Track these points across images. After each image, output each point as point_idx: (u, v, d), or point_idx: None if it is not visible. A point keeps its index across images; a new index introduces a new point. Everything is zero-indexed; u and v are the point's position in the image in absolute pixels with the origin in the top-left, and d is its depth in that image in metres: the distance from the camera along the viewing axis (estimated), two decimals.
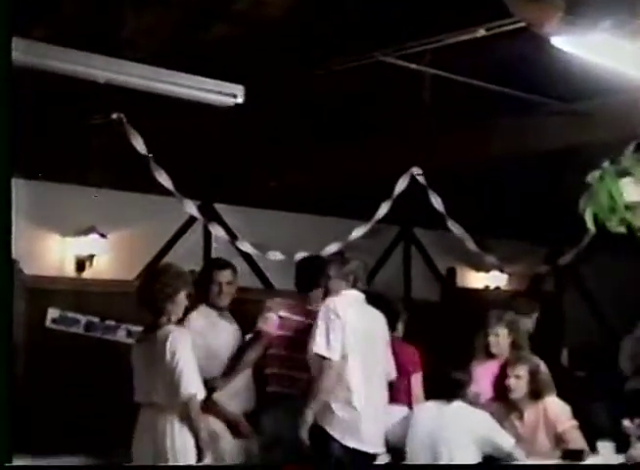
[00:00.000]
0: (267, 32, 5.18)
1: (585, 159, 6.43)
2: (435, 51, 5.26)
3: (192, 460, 5.18)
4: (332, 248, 7.03)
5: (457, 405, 5.98)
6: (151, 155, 5.89)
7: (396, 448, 6.10)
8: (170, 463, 5.17)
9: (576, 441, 5.97)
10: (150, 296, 5.40)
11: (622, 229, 6.34)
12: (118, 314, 7.74)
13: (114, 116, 5.70)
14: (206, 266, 6.48)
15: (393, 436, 6.13)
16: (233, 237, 7.52)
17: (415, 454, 5.91)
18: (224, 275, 6.13)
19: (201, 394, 5.22)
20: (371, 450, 5.93)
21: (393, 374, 6.34)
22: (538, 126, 6.52)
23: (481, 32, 4.74)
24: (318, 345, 5.79)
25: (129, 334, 7.67)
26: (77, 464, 6.31)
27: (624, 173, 6.27)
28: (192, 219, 7.76)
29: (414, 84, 5.95)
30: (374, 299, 6.24)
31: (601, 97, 6.00)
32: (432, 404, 6.10)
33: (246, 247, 7.11)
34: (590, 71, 4.68)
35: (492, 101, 6.14)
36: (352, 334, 5.90)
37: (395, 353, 6.35)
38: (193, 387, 5.16)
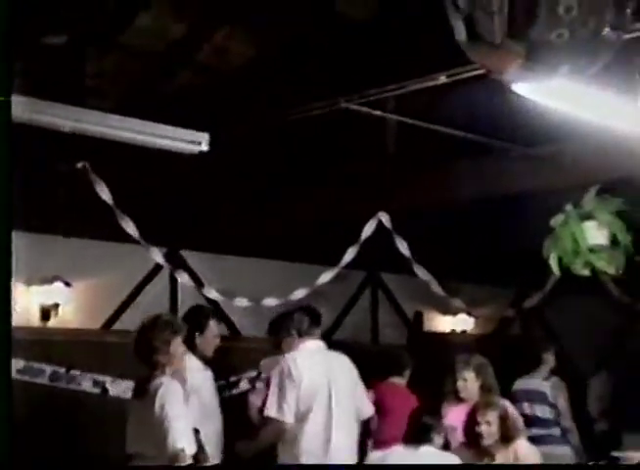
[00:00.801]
0: (231, 81, 5.21)
1: (548, 202, 6.51)
2: (398, 98, 5.30)
3: None
4: (299, 293, 7.02)
5: (427, 450, 5.94)
6: (115, 204, 5.87)
7: None
8: None
9: None
10: (142, 349, 5.34)
11: (587, 272, 6.41)
12: (84, 364, 7.66)
13: (79, 164, 5.69)
14: (193, 315, 6.40)
15: None
16: (199, 284, 7.48)
17: None
18: (212, 325, 6.20)
19: (191, 449, 5.07)
20: None
21: (367, 412, 6.48)
22: (501, 171, 6.57)
23: (443, 79, 4.79)
24: (269, 408, 5.99)
25: (95, 384, 7.59)
26: None
27: (587, 217, 6.35)
28: (158, 267, 7.72)
29: (378, 130, 6.01)
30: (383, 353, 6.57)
31: (562, 142, 6.07)
32: (401, 450, 6.06)
33: (212, 294, 7.07)
34: (551, 117, 4.73)
35: (455, 146, 6.19)
36: (311, 389, 6.07)
37: (399, 400, 6.85)
38: (182, 441, 5.03)
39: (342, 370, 6.33)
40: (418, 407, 6.51)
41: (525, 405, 8.05)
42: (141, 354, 5.36)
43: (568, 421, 8.11)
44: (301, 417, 6.04)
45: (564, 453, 7.78)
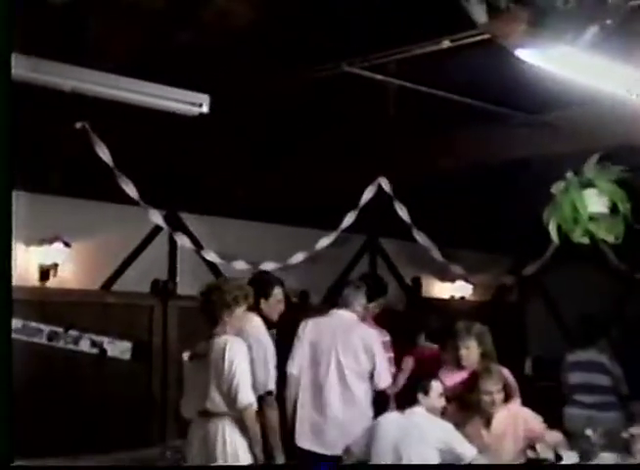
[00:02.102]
0: (233, 42, 5.17)
1: (549, 170, 6.50)
2: (401, 62, 5.27)
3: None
4: (298, 257, 7.04)
5: (420, 415, 5.99)
6: (115, 165, 5.86)
7: (361, 459, 6.12)
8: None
9: (549, 444, 6.02)
10: (209, 304, 5.62)
11: (586, 240, 6.41)
12: (82, 324, 7.69)
13: (79, 125, 5.68)
14: (259, 280, 6.50)
15: (358, 446, 6.14)
16: (198, 246, 7.49)
17: (378, 461, 5.92)
18: (277, 291, 6.34)
19: (255, 404, 5.43)
20: (327, 453, 6.42)
21: (383, 383, 6.68)
22: (503, 137, 6.56)
23: (446, 44, 4.76)
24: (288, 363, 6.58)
25: (93, 344, 7.63)
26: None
27: (588, 185, 6.34)
28: (157, 229, 7.74)
29: (380, 95, 5.98)
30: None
31: (565, 109, 6.05)
32: (395, 415, 6.11)
33: (211, 256, 7.10)
34: (554, 83, 4.71)
35: (457, 112, 6.17)
36: (310, 351, 6.63)
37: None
38: (250, 397, 5.38)
39: (347, 338, 6.67)
40: (414, 371, 6.56)
41: (585, 375, 8.46)
42: (207, 312, 5.63)
43: (624, 388, 8.39)
44: (301, 372, 6.61)
45: (619, 418, 7.97)
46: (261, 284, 6.33)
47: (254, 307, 6.05)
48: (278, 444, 5.83)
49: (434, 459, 5.82)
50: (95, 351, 7.55)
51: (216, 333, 5.54)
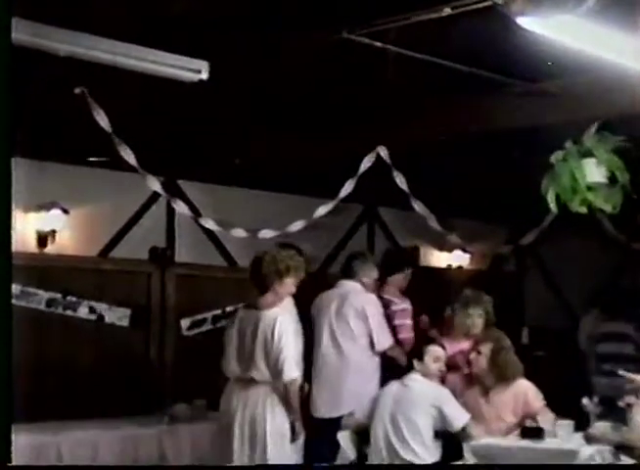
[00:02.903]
0: (233, 9, 5.13)
1: (549, 139, 6.48)
2: (401, 30, 5.23)
3: (287, 437, 5.65)
4: (296, 225, 7.03)
5: (415, 380, 6.05)
6: (113, 131, 5.83)
7: (364, 427, 6.18)
8: (267, 435, 5.58)
9: (547, 421, 6.05)
10: (261, 272, 5.76)
11: (584, 210, 6.41)
12: (81, 291, 7.69)
13: (78, 90, 5.63)
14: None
15: (362, 413, 6.22)
16: (196, 214, 7.48)
17: (377, 432, 5.97)
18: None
19: (300, 378, 5.70)
20: (323, 416, 6.73)
21: (380, 346, 6.88)
22: (502, 106, 6.54)
23: (447, 11, 4.72)
24: None
25: (91, 310, 7.64)
26: None
27: (587, 154, 6.32)
28: (155, 196, 7.72)
29: (379, 63, 5.94)
30: None
31: (564, 78, 6.02)
32: (395, 383, 6.17)
33: (209, 224, 7.07)
34: (555, 52, 4.68)
35: (458, 80, 6.14)
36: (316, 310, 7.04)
37: None
38: (296, 371, 5.62)
39: (342, 305, 6.99)
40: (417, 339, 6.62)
41: (614, 345, 8.67)
42: (258, 280, 5.78)
43: None
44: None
45: None
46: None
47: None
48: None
49: (427, 425, 5.88)
50: (93, 317, 7.56)
51: (267, 302, 5.69)
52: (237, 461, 5.72)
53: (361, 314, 6.94)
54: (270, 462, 5.58)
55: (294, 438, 5.74)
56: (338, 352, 6.92)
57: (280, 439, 5.70)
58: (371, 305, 7.05)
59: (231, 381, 5.89)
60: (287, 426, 5.69)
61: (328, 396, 6.81)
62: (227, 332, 6.00)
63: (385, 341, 6.93)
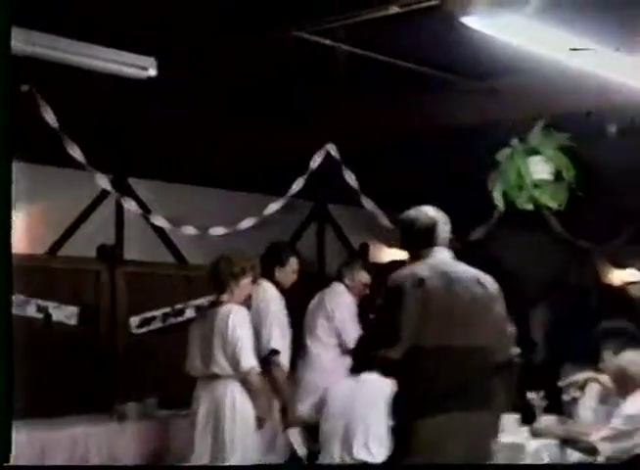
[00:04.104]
0: (181, 6, 5.12)
1: (495, 136, 6.55)
2: (351, 28, 5.26)
3: (251, 425, 5.80)
4: (247, 223, 7.04)
5: (369, 378, 6.06)
6: (61, 128, 5.80)
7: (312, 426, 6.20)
8: (229, 422, 5.79)
9: None
10: (218, 274, 6.11)
11: (530, 206, 6.50)
12: (28, 289, 7.62)
13: (25, 87, 5.60)
14: (275, 250, 7.01)
15: (310, 414, 6.23)
16: (146, 211, 7.45)
17: (329, 425, 5.99)
18: (292, 260, 6.86)
19: (257, 367, 5.88)
20: None
21: (350, 344, 6.73)
22: (450, 104, 6.60)
23: (395, 9, 4.76)
24: None
25: (39, 309, 7.57)
26: None
27: (533, 152, 6.41)
28: (104, 193, 7.67)
29: (328, 60, 5.97)
30: None
31: (511, 76, 6.09)
32: (348, 380, 6.19)
33: (159, 221, 7.05)
34: (500, 50, 4.74)
35: (406, 78, 6.18)
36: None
37: None
38: (252, 360, 5.83)
39: (317, 305, 7.35)
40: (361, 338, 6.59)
41: None
42: (215, 281, 6.14)
43: None
44: None
45: None
46: (277, 253, 6.88)
47: (269, 275, 6.64)
48: (288, 399, 6.29)
49: (381, 421, 5.90)
50: (40, 315, 7.49)
51: (222, 301, 6.03)
52: (197, 451, 5.88)
53: (329, 315, 7.16)
54: (234, 452, 5.75)
55: (259, 426, 5.89)
56: (304, 349, 7.08)
57: (243, 428, 5.82)
58: (343, 305, 7.26)
59: (198, 380, 6.05)
60: (251, 415, 5.85)
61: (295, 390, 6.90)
62: (190, 333, 6.18)
63: (345, 342, 7.01)
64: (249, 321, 6.00)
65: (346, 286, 7.46)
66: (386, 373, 4.70)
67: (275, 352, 6.27)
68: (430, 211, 4.75)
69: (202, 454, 5.85)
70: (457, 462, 4.27)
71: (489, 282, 4.58)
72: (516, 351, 4.56)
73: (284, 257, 6.85)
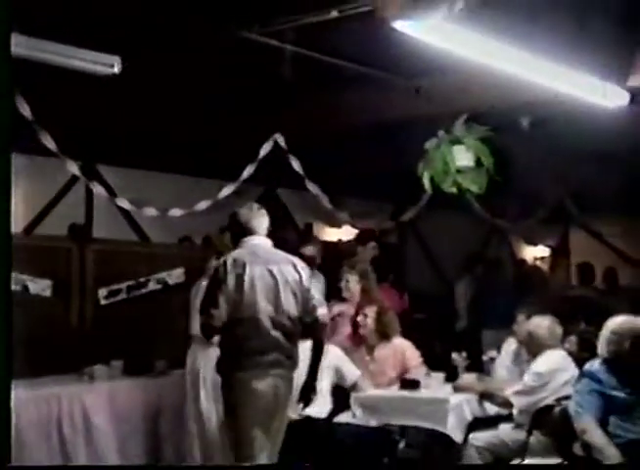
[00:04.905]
0: (143, 8, 5.06)
1: (424, 128, 6.59)
2: (296, 30, 5.25)
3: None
4: (202, 205, 7.00)
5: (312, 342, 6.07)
6: (34, 119, 5.71)
7: None
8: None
9: (418, 375, 6.16)
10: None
11: (454, 190, 6.55)
12: None
13: None
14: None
15: None
16: (112, 195, 7.37)
17: None
18: None
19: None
20: None
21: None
22: (384, 100, 6.62)
23: (334, 14, 4.76)
24: None
25: (17, 282, 7.42)
26: None
27: (456, 142, 6.46)
28: (75, 179, 7.57)
29: (276, 60, 5.94)
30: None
31: (437, 75, 6.11)
32: None
33: (124, 203, 6.97)
34: (427, 52, 4.75)
35: (344, 76, 6.18)
36: None
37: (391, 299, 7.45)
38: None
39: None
40: None
41: None
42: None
43: None
44: None
45: None
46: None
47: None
48: None
49: (326, 382, 5.92)
50: (19, 288, 7.39)
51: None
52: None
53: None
54: None
55: None
56: None
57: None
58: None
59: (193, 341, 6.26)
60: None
61: None
62: (192, 302, 6.24)
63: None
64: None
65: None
66: (208, 337, 5.13)
67: None
68: (251, 208, 5.17)
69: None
70: (271, 410, 4.79)
71: (300, 265, 5.01)
72: (323, 311, 5.01)
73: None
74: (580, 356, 5.48)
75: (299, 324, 4.94)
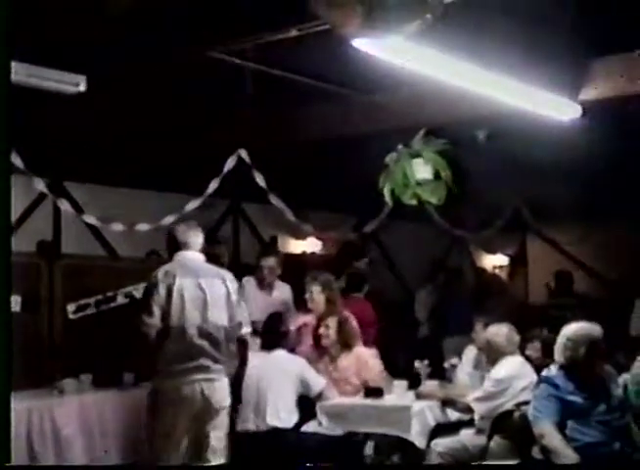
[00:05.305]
0: (110, 27, 5.04)
1: (384, 143, 6.61)
2: (257, 48, 5.25)
3: None
4: (168, 219, 6.95)
5: (278, 353, 6.05)
6: None
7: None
8: None
9: (381, 383, 6.16)
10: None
11: (414, 202, 6.57)
12: None
13: None
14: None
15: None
16: (79, 211, 7.31)
17: (243, 396, 5.95)
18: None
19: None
20: None
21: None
22: (344, 114, 6.63)
23: (294, 32, 4.76)
24: None
25: None
26: None
27: (416, 155, 6.48)
28: (42, 196, 7.50)
29: (239, 77, 5.94)
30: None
31: (395, 90, 6.14)
32: (258, 354, 6.15)
33: (91, 220, 6.92)
34: (386, 68, 4.77)
35: (305, 92, 6.19)
36: None
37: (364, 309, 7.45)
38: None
39: None
40: (273, 316, 6.52)
41: None
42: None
43: None
44: None
45: None
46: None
47: None
48: None
49: (291, 389, 5.89)
50: None
51: None
52: None
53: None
54: None
55: None
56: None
57: None
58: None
59: None
60: None
61: None
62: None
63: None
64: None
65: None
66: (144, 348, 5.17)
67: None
68: (187, 225, 5.46)
69: None
70: (198, 413, 4.97)
71: (229, 278, 5.26)
72: (247, 330, 5.24)
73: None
74: (543, 362, 5.51)
75: (229, 333, 5.14)
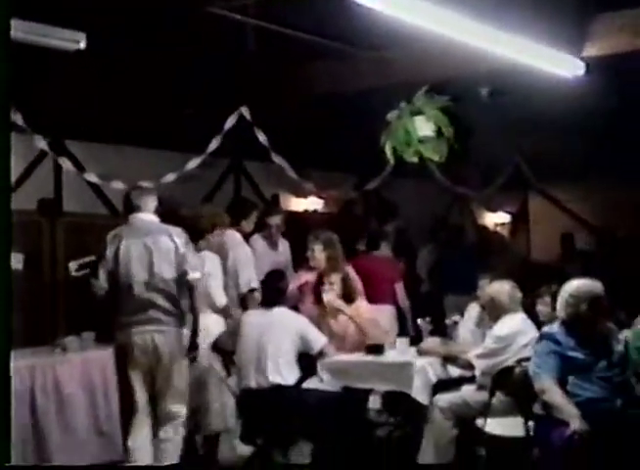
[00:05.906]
0: None
1: (386, 100, 6.58)
2: (258, 4, 5.22)
3: None
4: (169, 177, 6.96)
5: (279, 310, 6.06)
6: None
7: (227, 350, 6.17)
8: None
9: (382, 338, 6.20)
10: (197, 225, 6.25)
11: (416, 159, 6.56)
12: None
13: None
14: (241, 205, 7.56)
15: (224, 340, 6.19)
16: (80, 169, 7.30)
17: (244, 353, 5.98)
18: (254, 214, 7.26)
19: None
20: None
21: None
22: (347, 71, 6.61)
23: None
24: None
25: None
26: None
27: (417, 112, 6.45)
28: (43, 154, 7.49)
29: (240, 34, 5.91)
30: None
31: (398, 46, 6.10)
32: (258, 311, 6.17)
33: (92, 178, 6.94)
34: (389, 24, 4.74)
35: (309, 49, 6.16)
36: None
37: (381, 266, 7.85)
38: (223, 299, 6.25)
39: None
40: (272, 273, 6.53)
41: None
42: (195, 231, 6.12)
43: None
44: None
45: None
46: (242, 207, 7.28)
47: (236, 225, 6.87)
48: None
49: (291, 346, 5.92)
50: None
51: (200, 247, 6.16)
52: None
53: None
54: None
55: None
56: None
57: None
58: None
59: None
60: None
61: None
62: None
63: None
64: (219, 265, 6.28)
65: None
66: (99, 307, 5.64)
67: (253, 289, 6.55)
68: (140, 188, 5.84)
69: None
70: (151, 361, 5.34)
71: (177, 233, 5.50)
72: (193, 276, 5.44)
73: (247, 210, 7.21)
74: (553, 316, 5.50)
75: (179, 285, 5.42)
